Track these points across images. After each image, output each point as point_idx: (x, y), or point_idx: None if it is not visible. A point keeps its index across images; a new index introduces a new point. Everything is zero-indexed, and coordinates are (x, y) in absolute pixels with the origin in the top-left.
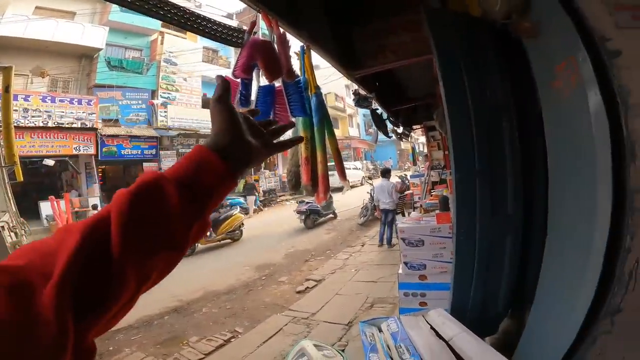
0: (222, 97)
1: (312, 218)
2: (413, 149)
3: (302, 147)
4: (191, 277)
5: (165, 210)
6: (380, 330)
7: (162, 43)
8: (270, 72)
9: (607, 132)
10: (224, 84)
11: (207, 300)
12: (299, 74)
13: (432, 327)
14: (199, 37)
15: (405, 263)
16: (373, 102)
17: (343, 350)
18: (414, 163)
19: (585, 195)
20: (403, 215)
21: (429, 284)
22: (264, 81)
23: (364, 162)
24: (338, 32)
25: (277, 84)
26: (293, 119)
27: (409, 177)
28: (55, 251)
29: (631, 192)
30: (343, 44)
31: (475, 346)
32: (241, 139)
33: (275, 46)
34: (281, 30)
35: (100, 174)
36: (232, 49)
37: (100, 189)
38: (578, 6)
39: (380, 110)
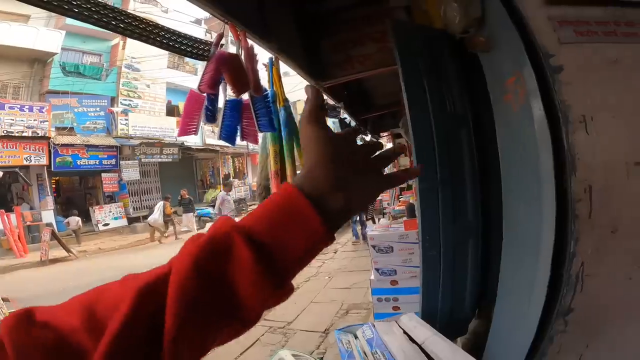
0: (314, 115)
1: None
2: None
3: (271, 160)
4: None
5: (236, 284)
6: (356, 337)
7: (123, 48)
8: (237, 87)
9: (550, 146)
10: (317, 96)
11: None
12: (267, 88)
13: (404, 332)
14: None
15: (377, 269)
16: (341, 111)
17: (322, 359)
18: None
19: (533, 204)
20: (373, 221)
21: (400, 288)
22: (230, 95)
23: None
24: (306, 43)
25: (245, 97)
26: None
27: None
28: (112, 309)
29: (573, 201)
30: (311, 54)
31: (446, 348)
32: (350, 177)
33: (243, 59)
34: (249, 43)
35: (53, 186)
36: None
37: (54, 202)
38: (526, 22)
39: (348, 119)
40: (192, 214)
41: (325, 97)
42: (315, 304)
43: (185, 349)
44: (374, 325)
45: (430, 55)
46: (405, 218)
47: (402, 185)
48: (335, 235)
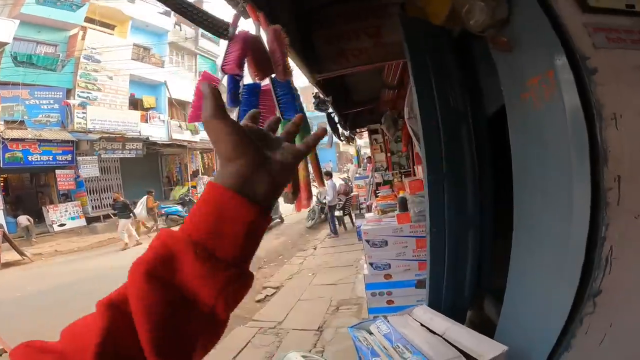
0: (217, 111)
1: None
2: (358, 151)
3: None
4: None
5: (188, 283)
6: (370, 333)
7: (83, 38)
8: (261, 70)
9: (586, 141)
10: (213, 93)
11: None
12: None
13: (421, 324)
14: (128, 33)
15: (371, 264)
16: (329, 105)
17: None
18: (359, 165)
19: (561, 194)
20: (351, 217)
21: (394, 282)
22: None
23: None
24: (301, 34)
25: (263, 83)
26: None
27: (352, 179)
28: (84, 339)
29: (604, 190)
30: (306, 46)
31: (470, 337)
32: (260, 160)
33: (265, 42)
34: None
35: (2, 184)
36: (167, 47)
37: (3, 201)
38: (563, 27)
39: (333, 114)
40: (128, 219)
41: (317, 90)
42: (303, 302)
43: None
44: (388, 320)
45: (435, 52)
46: (397, 212)
47: (378, 181)
48: (311, 228)
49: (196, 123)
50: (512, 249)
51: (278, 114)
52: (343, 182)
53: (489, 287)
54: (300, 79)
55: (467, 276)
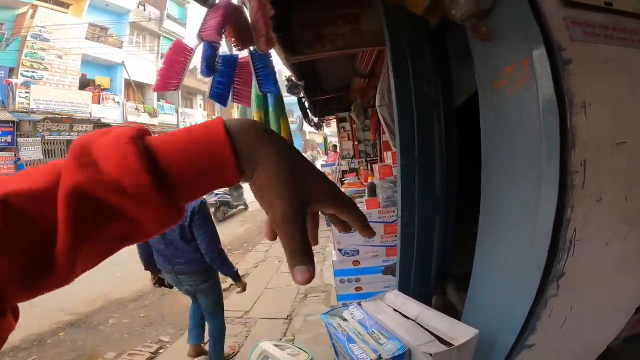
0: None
1: (222, 210)
2: (325, 138)
3: None
4: (83, 286)
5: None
6: (344, 320)
7: (32, 17)
8: (242, 40)
9: (557, 126)
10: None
11: (111, 310)
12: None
13: (394, 309)
14: (85, 11)
15: (340, 250)
16: (301, 90)
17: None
18: (326, 153)
19: (529, 177)
20: None
21: (362, 268)
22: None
23: None
24: (278, 14)
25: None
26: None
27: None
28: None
29: (571, 173)
30: (282, 27)
31: (442, 320)
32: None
33: (248, 13)
34: None
35: None
36: (127, 26)
37: None
38: (544, 19)
39: (304, 100)
40: None
41: (289, 73)
42: (270, 290)
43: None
44: (361, 306)
45: (413, 40)
46: (366, 197)
47: (344, 168)
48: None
49: (154, 105)
50: (479, 232)
51: (255, 86)
52: None
53: (451, 273)
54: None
55: (433, 262)
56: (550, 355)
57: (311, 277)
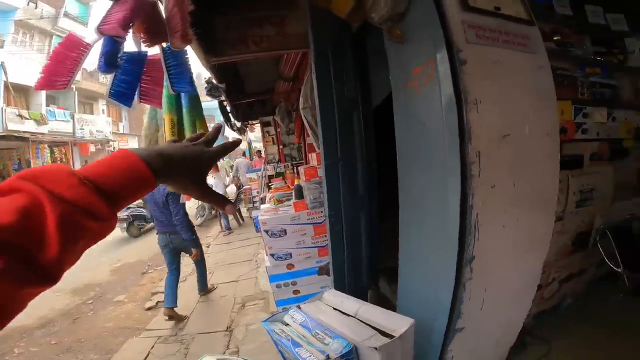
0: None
1: (137, 225)
2: (249, 143)
3: (166, 132)
4: None
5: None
6: (286, 324)
7: None
8: (152, 36)
9: (456, 121)
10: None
11: (14, 338)
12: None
13: (334, 308)
14: None
15: (272, 255)
16: (222, 92)
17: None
18: (251, 158)
19: (438, 169)
20: (240, 214)
21: (297, 271)
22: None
23: None
24: (199, 13)
25: (151, 52)
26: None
27: (242, 173)
28: None
29: (469, 164)
30: (203, 27)
31: (380, 314)
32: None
33: (163, 8)
34: None
35: None
36: (12, 25)
37: None
38: (447, 22)
39: (226, 103)
40: None
41: (210, 74)
42: (203, 303)
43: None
44: (301, 308)
45: (336, 43)
46: (293, 200)
47: (270, 173)
48: (201, 226)
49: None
50: (400, 226)
51: (167, 84)
52: (235, 177)
53: (382, 267)
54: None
55: (364, 258)
56: (479, 336)
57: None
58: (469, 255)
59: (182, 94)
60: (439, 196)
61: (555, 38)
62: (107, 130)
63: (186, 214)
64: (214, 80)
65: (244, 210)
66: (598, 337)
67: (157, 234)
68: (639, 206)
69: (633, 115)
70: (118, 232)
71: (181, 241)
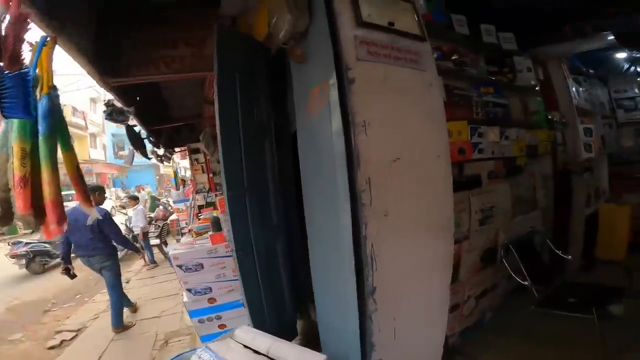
0: None
1: (39, 261)
2: (175, 172)
3: (15, 163)
4: None
5: None
6: None
7: None
8: None
9: (343, 146)
10: None
11: None
12: (27, 65)
13: (245, 346)
14: None
15: (189, 290)
16: (130, 117)
17: None
18: (177, 187)
19: (332, 198)
20: (165, 244)
21: (220, 305)
22: None
23: (113, 189)
24: (103, 32)
25: None
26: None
27: (171, 203)
28: None
29: (359, 192)
30: (106, 46)
31: (292, 351)
32: None
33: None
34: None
35: None
36: None
37: None
38: (339, 39)
39: (139, 128)
40: None
41: (112, 97)
42: (119, 342)
43: None
44: (210, 348)
45: (248, 64)
46: (210, 232)
47: (200, 203)
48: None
49: None
50: (310, 255)
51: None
52: (162, 208)
53: (310, 294)
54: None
55: (285, 289)
56: None
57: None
58: (369, 288)
59: (41, 121)
60: (334, 228)
61: (453, 57)
62: None
63: (118, 228)
64: (116, 103)
65: (173, 242)
66: (519, 348)
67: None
68: (537, 219)
69: (524, 133)
70: (15, 269)
71: (101, 262)
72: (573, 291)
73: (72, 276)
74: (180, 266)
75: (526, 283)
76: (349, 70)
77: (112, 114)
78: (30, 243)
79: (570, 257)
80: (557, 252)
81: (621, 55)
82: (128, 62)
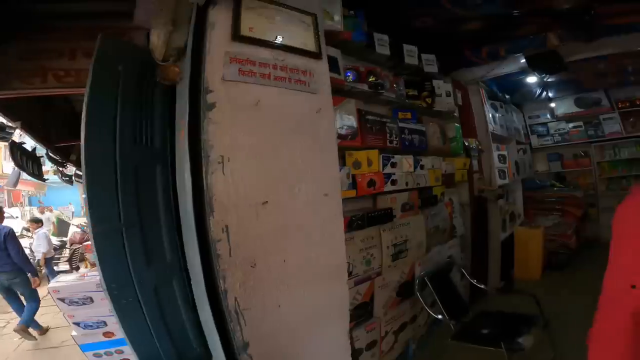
0: None
1: None
2: None
3: None
4: None
5: None
6: None
7: None
8: None
9: (190, 187)
10: None
11: None
12: None
13: None
14: None
15: (77, 324)
16: (17, 133)
17: None
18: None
19: (190, 246)
20: (77, 270)
21: (119, 339)
22: None
23: (27, 208)
24: None
25: None
26: None
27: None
28: None
29: (214, 242)
30: None
31: None
32: None
33: None
34: None
35: None
36: None
37: None
38: (205, 56)
39: (32, 146)
40: None
41: None
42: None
43: None
44: None
45: (141, 82)
46: None
47: None
48: None
49: None
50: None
51: None
52: (79, 230)
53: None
54: None
55: (187, 324)
56: None
57: None
58: (239, 343)
59: None
60: (195, 278)
61: (370, 79)
62: None
63: (21, 247)
64: None
65: (87, 268)
66: None
67: None
68: (454, 248)
69: (440, 161)
70: None
71: (10, 279)
72: (488, 321)
73: None
74: (62, 299)
75: (440, 317)
76: (210, 93)
77: None
78: None
79: (484, 286)
80: (473, 281)
81: (533, 79)
82: (9, 73)
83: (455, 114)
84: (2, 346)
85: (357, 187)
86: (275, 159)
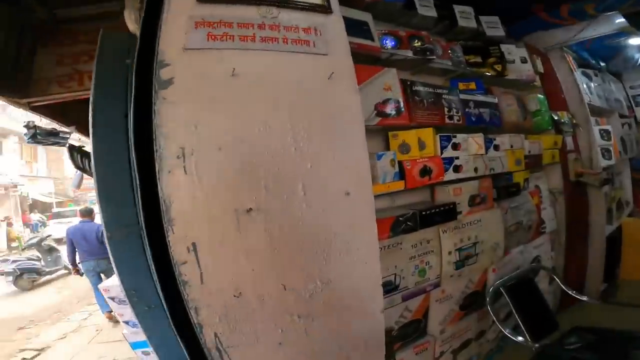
0: None
1: (27, 278)
2: None
3: None
4: None
5: None
6: None
7: None
8: None
9: (140, 195)
10: None
11: None
12: None
13: None
14: None
15: (126, 322)
16: (75, 136)
17: None
18: None
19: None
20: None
21: None
22: None
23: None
24: (13, 45)
25: None
26: None
27: None
28: None
29: (177, 265)
30: (15, 62)
31: None
32: None
33: None
34: None
35: None
36: None
37: None
38: (160, 23)
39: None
40: None
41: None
42: None
43: None
44: None
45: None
46: None
47: None
48: None
49: None
50: None
51: None
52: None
53: None
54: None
55: None
56: None
57: None
58: None
59: None
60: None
61: (415, 44)
62: (15, 172)
63: None
64: (37, 124)
65: None
66: None
67: (80, 262)
68: (543, 247)
69: (521, 140)
70: (4, 286)
71: (108, 264)
72: (583, 341)
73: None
74: (112, 298)
75: (520, 339)
76: (164, 67)
77: (35, 135)
78: (18, 260)
79: (586, 298)
80: (571, 292)
81: (635, 42)
82: (46, 79)
83: (536, 84)
84: (80, 337)
85: (405, 178)
86: (264, 146)
